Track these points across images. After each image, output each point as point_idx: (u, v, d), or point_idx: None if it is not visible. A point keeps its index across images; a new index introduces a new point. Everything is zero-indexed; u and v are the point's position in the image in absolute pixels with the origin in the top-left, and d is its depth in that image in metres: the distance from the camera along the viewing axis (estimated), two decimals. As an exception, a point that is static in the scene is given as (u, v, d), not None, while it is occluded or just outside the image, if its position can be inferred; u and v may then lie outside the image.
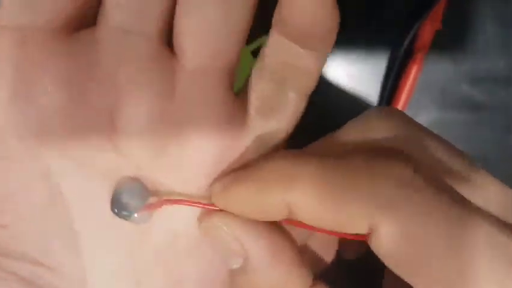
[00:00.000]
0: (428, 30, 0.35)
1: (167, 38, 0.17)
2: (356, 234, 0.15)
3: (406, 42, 0.35)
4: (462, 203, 0.15)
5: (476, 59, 0.36)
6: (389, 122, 0.17)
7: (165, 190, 0.17)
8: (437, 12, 0.35)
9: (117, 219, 0.17)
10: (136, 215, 0.17)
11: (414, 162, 0.15)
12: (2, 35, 0.16)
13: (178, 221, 0.18)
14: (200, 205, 0.17)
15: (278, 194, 0.16)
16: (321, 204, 0.15)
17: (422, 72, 0.35)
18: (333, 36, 0.16)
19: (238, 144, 0.17)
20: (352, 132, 0.18)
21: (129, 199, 0.16)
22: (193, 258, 0.18)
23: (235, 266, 0.17)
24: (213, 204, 0.17)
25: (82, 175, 0.17)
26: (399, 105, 0.36)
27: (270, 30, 0.17)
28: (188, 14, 0.16)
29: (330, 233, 0.16)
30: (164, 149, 0.17)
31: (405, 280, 0.15)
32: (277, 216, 0.16)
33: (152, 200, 0.17)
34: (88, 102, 0.16)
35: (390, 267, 0.15)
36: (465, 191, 0.16)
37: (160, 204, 0.17)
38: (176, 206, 0.17)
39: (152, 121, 0.16)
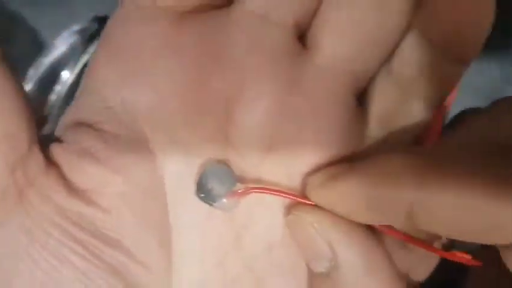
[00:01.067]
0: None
1: (302, 31, 0.16)
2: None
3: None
4: None
5: (522, 60, 0.35)
6: None
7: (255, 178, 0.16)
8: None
9: (211, 219, 0.16)
10: (222, 200, 0.16)
11: None
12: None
13: (275, 229, 0.17)
14: (291, 196, 0.16)
15: (408, 189, 0.14)
16: (465, 204, 0.13)
17: (466, 76, 0.34)
18: (479, 45, 0.15)
19: (352, 152, 0.16)
20: (478, 132, 0.15)
21: (215, 184, 0.16)
22: (287, 273, 0.17)
23: (319, 270, 0.15)
24: (306, 198, 0.15)
25: (186, 163, 0.16)
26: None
27: (408, 31, 0.16)
28: (338, 9, 0.15)
29: (433, 250, 0.15)
30: (277, 143, 0.16)
31: None
32: (393, 219, 0.14)
33: (238, 186, 0.16)
34: (208, 86, 0.15)
35: None
36: None
37: (246, 191, 0.16)
38: (275, 211, 0.16)
39: (271, 114, 0.16)
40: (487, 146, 0.14)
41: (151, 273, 0.16)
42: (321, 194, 0.15)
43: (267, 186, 0.16)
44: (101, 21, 0.34)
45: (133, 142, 0.16)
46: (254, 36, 0.15)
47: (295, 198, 0.16)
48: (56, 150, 0.16)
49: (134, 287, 0.16)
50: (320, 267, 0.15)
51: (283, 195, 0.16)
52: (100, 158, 0.16)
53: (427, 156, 0.14)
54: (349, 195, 0.15)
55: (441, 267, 0.15)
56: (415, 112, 0.16)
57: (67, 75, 0.32)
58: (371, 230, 0.16)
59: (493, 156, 0.14)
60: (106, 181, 0.16)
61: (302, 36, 0.16)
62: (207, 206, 0.16)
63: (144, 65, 0.15)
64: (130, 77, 0.16)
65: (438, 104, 0.16)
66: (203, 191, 0.16)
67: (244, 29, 0.15)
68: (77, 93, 0.17)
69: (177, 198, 0.16)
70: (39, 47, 0.35)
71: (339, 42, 0.15)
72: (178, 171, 0.16)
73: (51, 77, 0.32)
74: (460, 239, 0.14)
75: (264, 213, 0.16)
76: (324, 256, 0.15)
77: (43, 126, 0.31)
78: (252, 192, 0.16)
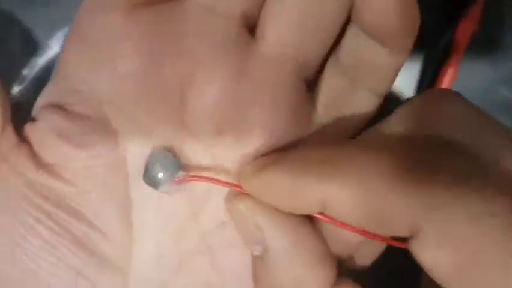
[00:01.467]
0: (464, 32, 0.34)
1: (251, 22, 0.17)
2: (393, 239, 0.14)
3: (441, 45, 0.35)
4: None
5: (514, 61, 0.35)
6: (447, 107, 0.16)
7: (209, 165, 0.17)
8: (474, 14, 0.34)
9: (170, 196, 0.17)
10: (165, 185, 0.17)
11: (473, 159, 0.14)
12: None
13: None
14: (228, 185, 0.17)
15: (315, 183, 0.15)
16: (361, 198, 0.14)
17: (458, 76, 0.35)
18: (411, 37, 0.16)
19: (299, 136, 0.17)
20: (404, 120, 0.17)
21: (159, 171, 0.17)
22: (238, 248, 0.18)
23: (256, 253, 0.17)
24: (239, 186, 0.17)
25: (146, 143, 0.17)
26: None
27: (349, 23, 0.17)
28: (274, 1, 0.16)
29: (363, 234, 0.15)
30: (227, 126, 0.17)
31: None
32: (309, 209, 0.15)
33: (181, 174, 0.17)
34: (163, 72, 0.17)
35: (432, 275, 0.14)
36: None
37: (187, 179, 0.17)
38: (229, 190, 0.17)
39: (221, 99, 0.17)
40: (408, 135, 0.16)
41: (113, 244, 0.17)
42: (251, 183, 0.16)
43: (206, 176, 0.17)
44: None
45: (99, 122, 0.17)
46: (203, 25, 0.16)
47: (231, 186, 0.17)
48: (28, 128, 0.18)
49: (97, 256, 0.17)
50: (255, 250, 0.16)
51: (221, 184, 0.17)
52: (66, 134, 0.17)
53: (338, 148, 0.15)
54: (272, 186, 0.16)
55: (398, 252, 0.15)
56: (360, 100, 0.18)
57: (61, 76, 0.32)
58: (305, 216, 0.16)
59: (403, 147, 0.15)
60: (71, 156, 0.17)
61: (253, 27, 0.17)
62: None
63: (105, 52, 0.17)
64: (93, 63, 0.17)
65: (383, 93, 0.18)
66: (149, 176, 0.17)
67: (194, 19, 0.17)
68: (51, 78, 0.18)
69: (138, 176, 0.17)
70: (33, 47, 0.35)
71: (282, 31, 0.16)
72: (138, 150, 0.17)
73: (45, 77, 0.32)
74: (362, 234, 0.15)
75: (220, 191, 0.18)
76: (257, 240, 0.16)
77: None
78: (191, 180, 0.17)
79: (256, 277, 0.17)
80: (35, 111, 0.18)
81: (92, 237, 0.17)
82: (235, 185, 0.17)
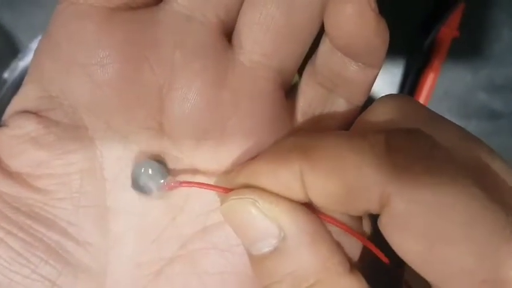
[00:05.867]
0: (445, 38, 0.35)
1: (228, 29, 0.17)
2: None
3: (423, 50, 0.35)
4: (483, 182, 0.14)
5: (493, 66, 0.35)
6: (405, 107, 0.16)
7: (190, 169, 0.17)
8: (454, 20, 0.35)
9: (149, 202, 0.17)
10: (154, 191, 0.17)
11: (433, 139, 0.14)
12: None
13: (211, 212, 0.17)
14: (217, 189, 0.16)
15: (293, 162, 0.15)
16: (333, 173, 0.14)
17: (439, 81, 0.35)
18: (381, 53, 0.16)
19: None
20: (368, 119, 0.17)
21: (146, 178, 0.17)
22: (219, 252, 0.17)
23: (266, 250, 0.15)
24: (230, 190, 0.16)
25: (123, 150, 0.17)
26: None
27: (323, 37, 0.17)
28: (251, 9, 0.16)
29: (347, 230, 0.16)
30: (205, 133, 0.17)
31: (414, 268, 0.14)
32: (296, 191, 0.15)
33: (170, 179, 0.17)
34: (141, 80, 0.16)
35: (397, 250, 0.14)
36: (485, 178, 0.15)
37: (176, 185, 0.17)
38: (210, 194, 0.17)
39: (199, 106, 0.16)
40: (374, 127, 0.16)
41: (89, 252, 0.17)
42: (239, 177, 0.16)
43: (195, 181, 0.17)
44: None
45: (74, 129, 0.17)
46: (180, 33, 0.16)
47: (220, 190, 0.16)
48: None
49: (73, 265, 0.17)
50: (267, 246, 0.15)
51: (211, 188, 0.16)
52: (40, 142, 0.16)
53: (312, 134, 0.16)
54: (259, 173, 0.15)
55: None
56: (338, 108, 0.18)
57: (43, 79, 0.32)
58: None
59: (369, 131, 0.15)
60: (44, 163, 0.16)
61: (230, 33, 0.17)
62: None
63: (80, 58, 0.16)
64: (67, 69, 0.16)
65: (360, 103, 0.18)
66: (137, 184, 0.17)
67: (170, 26, 0.16)
68: (23, 83, 0.18)
69: (116, 182, 0.17)
70: (15, 50, 0.34)
71: (259, 39, 0.17)
72: (116, 157, 0.17)
73: (27, 80, 0.32)
74: (334, 208, 0.15)
75: (199, 196, 0.17)
76: (270, 233, 0.15)
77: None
78: (181, 186, 0.17)
79: (267, 274, 0.16)
80: (5, 117, 0.17)
81: (67, 246, 0.16)
82: (226, 189, 0.16)
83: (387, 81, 0.36)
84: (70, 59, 0.16)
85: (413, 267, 0.14)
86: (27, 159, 0.16)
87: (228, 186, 0.16)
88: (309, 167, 0.15)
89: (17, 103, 0.17)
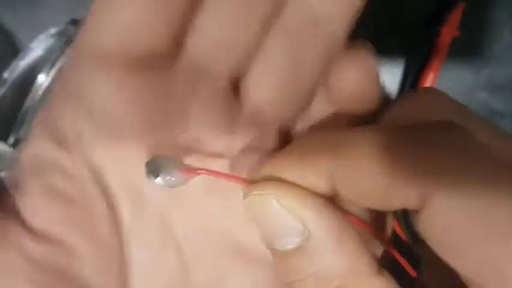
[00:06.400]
0: (445, 37, 0.35)
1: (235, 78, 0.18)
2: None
3: (423, 50, 0.35)
4: None
5: (493, 66, 0.35)
6: (436, 100, 0.16)
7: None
8: (455, 20, 0.35)
9: (162, 254, 0.18)
10: (170, 178, 0.16)
11: (468, 131, 0.14)
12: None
13: (223, 263, 0.18)
14: (238, 180, 0.16)
15: (322, 158, 0.14)
16: (368, 171, 0.14)
17: (439, 81, 0.35)
18: (374, 104, 0.18)
19: None
20: (398, 113, 0.16)
21: (164, 169, 0.16)
22: (239, 258, 0.18)
23: (289, 247, 0.15)
24: (251, 181, 0.16)
25: (140, 204, 0.17)
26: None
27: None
28: (260, 63, 0.17)
29: (372, 232, 0.16)
30: (218, 182, 0.17)
31: (451, 263, 0.14)
32: (322, 187, 0.15)
33: (187, 167, 0.16)
34: (156, 133, 0.16)
35: (437, 247, 0.14)
36: None
37: (193, 173, 0.16)
38: (223, 244, 0.17)
39: (214, 160, 0.17)
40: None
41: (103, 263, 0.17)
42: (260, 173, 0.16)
43: (214, 170, 0.16)
44: (79, 24, 0.33)
45: (91, 180, 0.17)
46: (193, 86, 0.17)
47: (237, 181, 0.16)
48: (17, 194, 0.17)
49: None
50: (290, 244, 0.15)
51: (228, 177, 0.16)
52: (62, 196, 0.16)
53: (341, 131, 0.15)
54: (282, 169, 0.15)
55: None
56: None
57: (43, 79, 0.32)
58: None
59: (405, 126, 0.15)
60: (73, 225, 0.16)
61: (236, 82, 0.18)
62: (159, 244, 0.17)
63: (100, 108, 0.16)
64: (89, 125, 0.16)
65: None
66: (154, 176, 0.16)
67: (185, 80, 0.17)
68: (33, 128, 0.18)
69: (132, 238, 0.17)
70: (15, 50, 0.34)
71: (262, 93, 0.17)
72: (132, 208, 0.17)
73: (27, 80, 0.32)
74: (378, 202, 0.15)
75: (212, 248, 0.18)
76: (295, 231, 0.15)
77: (19, 128, 0.30)
78: (199, 173, 0.16)
79: (291, 271, 0.16)
80: (19, 170, 0.17)
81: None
82: (243, 180, 0.16)
83: (388, 81, 0.36)
84: (89, 107, 0.16)
85: (454, 265, 0.14)
86: (48, 215, 0.16)
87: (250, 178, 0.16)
88: (341, 165, 0.14)
89: (30, 149, 0.17)
